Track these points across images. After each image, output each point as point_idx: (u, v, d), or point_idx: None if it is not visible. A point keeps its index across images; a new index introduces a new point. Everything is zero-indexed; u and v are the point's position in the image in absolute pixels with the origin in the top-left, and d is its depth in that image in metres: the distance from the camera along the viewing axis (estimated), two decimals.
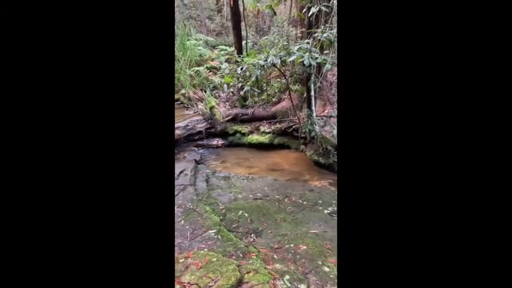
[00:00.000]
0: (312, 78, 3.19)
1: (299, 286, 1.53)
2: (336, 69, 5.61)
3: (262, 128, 4.99)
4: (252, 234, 2.25)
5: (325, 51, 2.61)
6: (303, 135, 4.22)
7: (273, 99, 5.09)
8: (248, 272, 1.49)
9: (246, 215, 2.53)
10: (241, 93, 3.86)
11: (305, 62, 2.21)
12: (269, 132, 4.90)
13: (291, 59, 2.33)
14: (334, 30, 2.39)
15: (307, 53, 2.23)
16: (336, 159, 3.87)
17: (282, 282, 1.46)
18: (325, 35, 2.23)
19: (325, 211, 2.61)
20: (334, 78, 5.40)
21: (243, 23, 5.49)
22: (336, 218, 2.46)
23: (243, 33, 5.68)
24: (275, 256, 1.86)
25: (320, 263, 1.79)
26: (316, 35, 2.41)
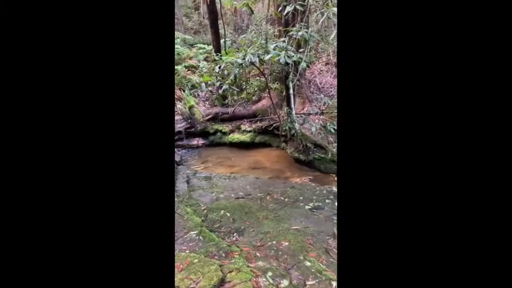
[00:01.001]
0: (290, 76, 3.23)
1: (281, 282, 1.55)
2: (313, 67, 5.72)
3: (243, 127, 4.99)
4: (235, 234, 2.24)
5: (301, 50, 2.64)
6: (284, 133, 4.27)
7: (253, 98, 5.10)
8: (230, 271, 1.49)
9: (228, 214, 2.52)
10: (220, 91, 3.84)
11: (281, 61, 2.23)
12: (250, 131, 4.91)
13: (268, 57, 2.35)
14: (310, 29, 2.43)
15: (283, 52, 2.25)
16: (315, 156, 3.95)
17: (264, 279, 1.47)
18: (300, 33, 2.26)
19: (306, 207, 2.66)
20: (313, 76, 5.51)
21: (220, 21, 5.44)
22: (317, 214, 2.52)
23: (221, 31, 5.63)
24: (258, 254, 1.87)
25: (302, 258, 1.82)
26: (291, 33, 2.43)
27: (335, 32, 2.04)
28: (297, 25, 2.38)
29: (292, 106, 3.92)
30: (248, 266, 1.64)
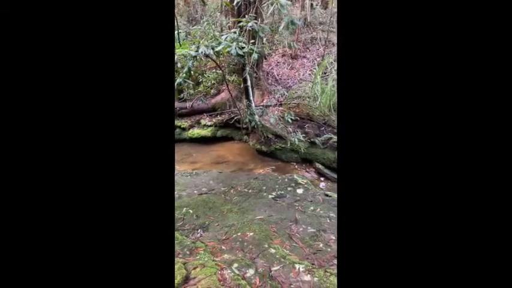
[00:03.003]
0: (247, 68, 3.23)
1: (247, 271, 1.58)
2: (270, 59, 5.78)
3: (203, 122, 4.89)
4: (199, 230, 2.21)
5: (252, 41, 2.63)
6: (245, 126, 4.28)
7: (212, 91, 5.00)
8: (195, 268, 1.47)
9: (191, 211, 2.46)
10: (175, 86, 3.70)
11: (232, 52, 2.21)
12: (211, 125, 4.83)
13: (219, 48, 2.30)
14: (264, 20, 2.43)
15: (234, 43, 2.23)
16: (276, 147, 4.05)
17: (229, 271, 1.48)
18: (250, 24, 2.25)
19: (269, 196, 2.72)
20: (270, 68, 5.58)
21: None
22: (280, 202, 2.60)
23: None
24: (223, 247, 1.87)
25: (266, 246, 1.87)
26: (241, 24, 2.41)
27: (284, 23, 2.07)
28: (247, 16, 2.36)
29: (251, 98, 3.94)
30: (213, 261, 1.63)
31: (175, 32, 5.34)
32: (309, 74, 5.27)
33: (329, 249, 1.86)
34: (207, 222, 2.30)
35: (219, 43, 2.38)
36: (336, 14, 6.48)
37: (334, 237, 2.00)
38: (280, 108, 4.49)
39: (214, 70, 5.02)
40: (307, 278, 1.55)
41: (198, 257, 1.71)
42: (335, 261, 1.74)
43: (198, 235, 2.15)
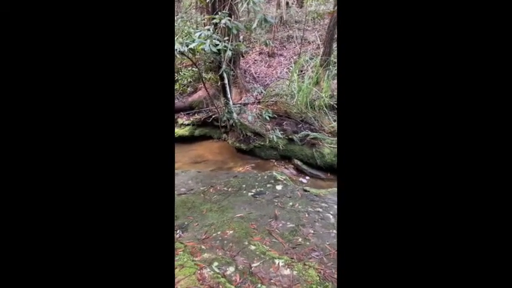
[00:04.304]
0: (224, 66, 3.20)
1: (227, 269, 1.58)
2: (248, 57, 5.78)
3: (180, 120, 4.79)
4: (178, 231, 2.17)
5: (225, 38, 2.61)
6: (223, 124, 4.25)
7: (188, 89, 4.91)
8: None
9: None
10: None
11: (205, 49, 2.18)
12: (188, 124, 4.75)
13: (192, 45, 2.27)
14: (239, 18, 2.42)
15: (208, 40, 2.20)
16: (255, 144, 4.07)
17: (209, 270, 1.47)
18: (223, 21, 2.23)
19: (249, 194, 2.73)
20: (247, 66, 5.58)
21: None
22: (259, 199, 2.61)
23: None
24: (203, 247, 1.85)
25: (246, 243, 1.88)
26: (214, 21, 2.38)
27: (257, 20, 2.08)
28: (220, 13, 2.33)
29: (229, 96, 3.91)
30: (193, 261, 1.61)
31: None
32: (286, 72, 5.33)
33: (308, 243, 1.90)
34: (186, 223, 2.26)
35: (193, 40, 2.34)
36: (310, 13, 6.58)
37: (312, 231, 2.05)
38: (258, 106, 4.51)
39: (190, 68, 4.93)
40: (287, 272, 1.58)
41: (177, 258, 1.68)
42: (313, 254, 1.78)
43: (177, 236, 2.11)
